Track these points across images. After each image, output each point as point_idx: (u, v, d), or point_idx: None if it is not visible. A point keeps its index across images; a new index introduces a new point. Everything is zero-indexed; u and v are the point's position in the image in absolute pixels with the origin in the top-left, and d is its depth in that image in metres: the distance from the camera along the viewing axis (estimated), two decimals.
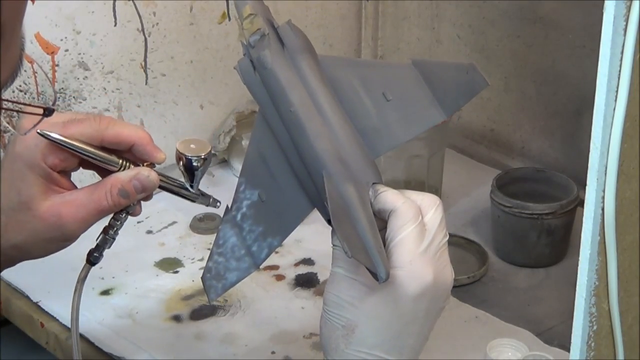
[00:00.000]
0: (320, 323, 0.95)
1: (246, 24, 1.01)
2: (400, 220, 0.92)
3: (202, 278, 1.02)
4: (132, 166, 1.00)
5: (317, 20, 1.80)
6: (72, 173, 1.02)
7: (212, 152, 1.02)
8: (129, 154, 1.01)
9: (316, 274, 1.44)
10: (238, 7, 1.03)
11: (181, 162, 0.99)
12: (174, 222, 1.55)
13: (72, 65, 1.52)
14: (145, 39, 1.59)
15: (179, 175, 1.04)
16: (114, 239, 1.02)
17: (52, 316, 1.37)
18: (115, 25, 1.55)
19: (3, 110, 0.79)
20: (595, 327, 0.85)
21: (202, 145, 1.00)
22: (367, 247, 0.90)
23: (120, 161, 1.00)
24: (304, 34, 1.02)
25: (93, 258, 1.02)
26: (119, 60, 1.57)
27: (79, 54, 1.53)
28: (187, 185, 1.02)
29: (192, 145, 1.00)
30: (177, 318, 1.35)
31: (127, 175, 0.99)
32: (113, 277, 1.42)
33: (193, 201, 1.05)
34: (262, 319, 1.35)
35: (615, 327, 0.86)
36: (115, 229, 1.02)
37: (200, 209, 1.51)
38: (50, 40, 1.48)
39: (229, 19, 1.67)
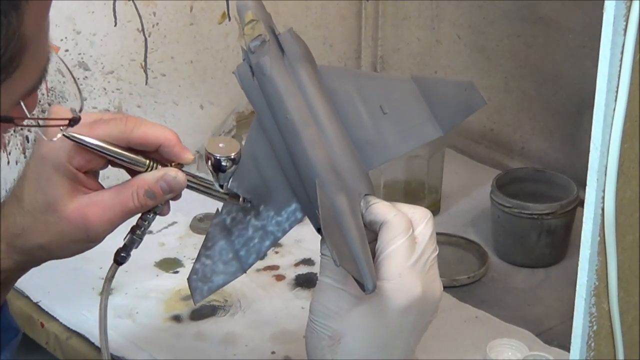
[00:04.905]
0: (306, 332, 0.95)
1: (247, 30, 1.01)
2: (391, 232, 0.92)
3: (188, 279, 1.02)
4: (159, 166, 0.98)
5: (317, 20, 1.80)
6: (102, 169, 1.01)
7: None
8: (157, 154, 0.98)
9: (316, 274, 1.42)
10: (240, 13, 1.03)
11: (209, 162, 0.96)
12: (174, 222, 1.55)
13: (72, 65, 1.52)
14: (145, 39, 1.59)
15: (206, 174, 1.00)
16: (141, 239, 1.00)
17: (52, 316, 1.37)
18: (115, 25, 1.55)
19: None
20: (595, 327, 0.85)
21: (232, 144, 0.96)
22: (356, 257, 0.89)
23: (148, 162, 0.97)
24: (304, 43, 1.02)
25: (120, 258, 1.00)
26: (119, 60, 1.58)
27: (79, 54, 1.53)
28: (217, 186, 0.98)
29: (220, 145, 0.96)
30: (177, 318, 1.35)
31: (153, 176, 0.97)
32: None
33: (223, 201, 1.01)
34: (262, 319, 1.35)
35: (615, 327, 0.86)
36: (142, 229, 1.00)
37: (200, 209, 1.52)
38: (50, 40, 1.48)
39: (229, 19, 1.67)
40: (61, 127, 0.87)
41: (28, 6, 0.70)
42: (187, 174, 0.98)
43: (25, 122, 0.78)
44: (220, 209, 1.03)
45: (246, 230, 1.02)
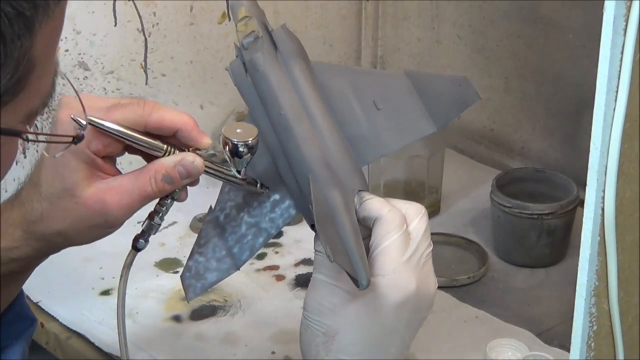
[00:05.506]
0: (300, 329, 0.95)
1: (240, 26, 1.01)
2: (384, 228, 0.92)
3: (181, 277, 1.02)
4: (177, 151, 0.97)
5: (317, 20, 1.81)
6: (119, 156, 1.00)
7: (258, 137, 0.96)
8: (174, 139, 0.97)
9: None
10: (233, 9, 1.03)
11: (227, 148, 0.95)
12: (174, 222, 1.55)
13: (72, 65, 1.52)
14: (145, 39, 1.59)
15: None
16: (159, 225, 0.99)
17: (52, 316, 1.37)
18: (115, 25, 1.55)
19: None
20: (595, 327, 0.85)
21: (249, 129, 0.95)
22: (349, 253, 0.89)
23: (165, 146, 0.97)
24: (298, 40, 1.02)
25: (139, 244, 0.99)
26: (119, 60, 1.58)
27: (79, 54, 1.53)
28: (234, 171, 0.97)
29: (238, 130, 0.95)
30: (177, 318, 1.35)
31: (171, 161, 0.96)
32: (113, 277, 1.42)
33: (240, 187, 0.99)
34: (262, 319, 1.35)
35: (615, 327, 0.86)
36: (160, 214, 0.99)
37: (200, 209, 1.51)
38: None
39: (229, 19, 1.67)
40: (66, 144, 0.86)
41: (41, 27, 0.70)
42: (205, 159, 0.97)
43: (30, 137, 0.78)
44: (213, 206, 1.03)
45: (239, 227, 1.01)
